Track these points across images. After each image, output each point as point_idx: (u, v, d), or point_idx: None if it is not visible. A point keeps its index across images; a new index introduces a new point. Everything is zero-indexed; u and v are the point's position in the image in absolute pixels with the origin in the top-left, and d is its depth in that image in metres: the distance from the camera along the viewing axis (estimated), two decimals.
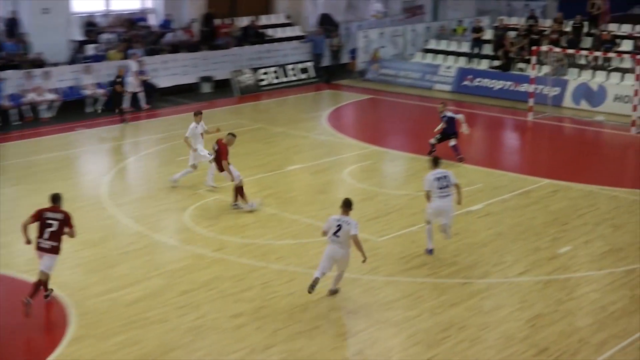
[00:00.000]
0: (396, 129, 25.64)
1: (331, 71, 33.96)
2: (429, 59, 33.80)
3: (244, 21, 34.03)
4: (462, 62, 32.77)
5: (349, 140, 23.67)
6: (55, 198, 12.66)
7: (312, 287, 12.54)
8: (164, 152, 22.51)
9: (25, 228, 12.41)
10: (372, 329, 12.06)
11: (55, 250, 12.44)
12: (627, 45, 29.72)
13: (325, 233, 12.84)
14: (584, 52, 27.86)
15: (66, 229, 12.45)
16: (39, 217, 12.43)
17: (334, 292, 13.14)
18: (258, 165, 20.78)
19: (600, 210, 17.18)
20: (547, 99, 27.19)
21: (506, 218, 16.75)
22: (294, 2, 36.08)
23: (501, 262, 14.43)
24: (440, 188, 14.42)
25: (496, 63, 31.69)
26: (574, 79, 28.65)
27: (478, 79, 30.64)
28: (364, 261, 12.65)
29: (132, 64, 28.13)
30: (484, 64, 32.23)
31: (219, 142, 17.50)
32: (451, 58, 33.26)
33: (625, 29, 31.50)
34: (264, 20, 35.13)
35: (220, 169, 17.37)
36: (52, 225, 12.35)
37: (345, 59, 35.22)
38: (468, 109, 28.39)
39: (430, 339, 11.72)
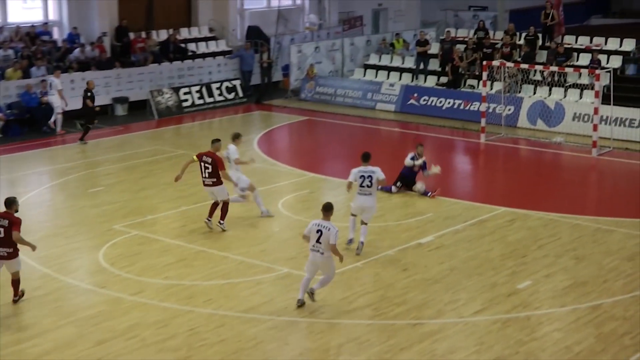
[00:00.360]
0: (336, 153, 25.81)
1: (261, 90, 34.11)
2: (370, 75, 34.23)
3: (162, 35, 34.00)
4: (406, 79, 33.26)
5: (283, 167, 23.74)
6: (6, 202, 14.06)
7: (310, 295, 13.99)
8: (72, 183, 22.22)
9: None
10: None
11: (11, 257, 13.93)
12: (584, 59, 30.58)
13: (305, 237, 14.03)
14: (539, 67, 28.55)
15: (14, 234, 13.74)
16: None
17: (311, 293, 14.03)
18: (181, 197, 20.67)
19: (561, 240, 17.53)
20: (500, 119, 27.76)
21: (459, 251, 16.97)
22: (219, 14, 36.20)
23: (455, 300, 14.59)
24: (362, 186, 16.34)
25: (444, 80, 32.26)
26: (529, 96, 29.33)
27: (424, 97, 31.11)
28: (341, 261, 14.21)
29: (56, 81, 27.90)
30: (430, 81, 32.77)
31: (209, 154, 17.86)
32: (394, 74, 33.74)
33: (583, 41, 32.40)
34: (185, 33, 35.16)
35: (220, 182, 17.82)
36: (0, 232, 13.84)
37: (277, 76, 35.42)
38: (414, 131, 28.80)
39: None
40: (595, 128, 24.73)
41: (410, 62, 34.01)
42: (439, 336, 13.25)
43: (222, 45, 35.62)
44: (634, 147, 25.50)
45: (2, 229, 13.81)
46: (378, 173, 16.16)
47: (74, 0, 32.08)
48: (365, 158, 16.40)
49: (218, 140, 18.37)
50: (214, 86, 32.98)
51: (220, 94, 32.97)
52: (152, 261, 16.38)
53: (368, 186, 16.29)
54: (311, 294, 14.09)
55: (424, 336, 13.23)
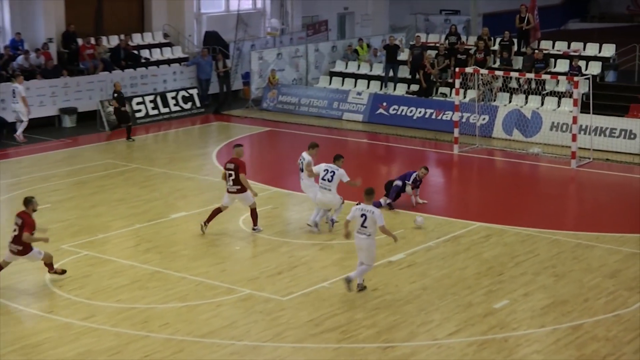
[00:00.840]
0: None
1: (220, 100, 34.11)
2: (336, 83, 34.38)
3: (113, 40, 33.90)
4: (375, 87, 33.43)
5: None
6: (24, 202, 15.83)
7: (348, 283, 15.43)
8: (17, 200, 21.99)
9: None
10: None
11: (23, 253, 15.67)
12: (562, 66, 30.94)
13: (348, 222, 15.57)
14: (515, 74, 28.84)
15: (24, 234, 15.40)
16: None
17: (348, 281, 15.39)
18: (134, 214, 20.58)
19: (540, 257, 17.69)
20: (474, 129, 27.99)
21: (432, 269, 17.06)
22: (174, 18, 36.19)
23: (428, 321, 14.66)
24: (323, 179, 18.29)
25: (414, 88, 32.47)
26: (505, 105, 29.60)
27: (394, 107, 31.29)
28: (395, 241, 16.10)
29: (19, 88, 27.80)
30: (400, 89, 32.97)
31: (232, 160, 18.69)
32: (362, 82, 33.91)
33: (560, 46, 32.79)
34: (137, 39, 35.10)
35: (244, 189, 18.59)
36: (15, 230, 15.57)
37: (236, 85, 35.44)
38: (384, 142, 28.95)
39: None
40: (574, 138, 25.00)
41: (378, 70, 34.19)
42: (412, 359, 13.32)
43: (177, 52, 35.59)
44: (615, 157, 25.80)
45: (17, 227, 15.58)
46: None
47: (17, 3, 31.86)
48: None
49: (240, 145, 19.37)
50: (169, 95, 32.90)
51: (176, 104, 32.91)
52: (104, 283, 16.29)
53: (329, 181, 17.70)
54: (348, 282, 15.40)
55: None
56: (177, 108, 32.89)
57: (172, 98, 32.93)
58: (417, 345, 13.80)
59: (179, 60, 35.02)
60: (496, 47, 32.55)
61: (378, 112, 31.49)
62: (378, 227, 15.31)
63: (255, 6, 39.21)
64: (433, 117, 30.25)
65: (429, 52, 32.97)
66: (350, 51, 35.86)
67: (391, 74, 33.43)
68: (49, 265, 16.21)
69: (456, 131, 26.93)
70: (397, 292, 15.89)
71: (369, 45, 35.99)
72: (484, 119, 28.70)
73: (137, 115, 31.63)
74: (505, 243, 18.52)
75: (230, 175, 18.60)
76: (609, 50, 31.91)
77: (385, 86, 33.34)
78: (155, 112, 32.31)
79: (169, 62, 34.79)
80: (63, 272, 16.46)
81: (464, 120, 28.02)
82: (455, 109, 27.21)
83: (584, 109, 26.21)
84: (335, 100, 32.66)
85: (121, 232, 19.44)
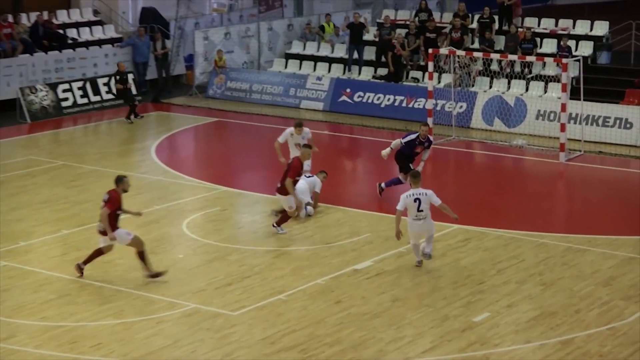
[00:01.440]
0: (252, 163, 25.80)
1: (160, 86, 33.99)
2: (293, 67, 34.39)
3: (33, 18, 33.59)
4: (337, 71, 33.49)
5: (188, 179, 23.68)
6: (116, 179, 16.86)
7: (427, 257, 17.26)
8: None
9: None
10: None
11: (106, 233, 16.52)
12: (549, 46, 31.20)
13: (400, 213, 16.67)
14: (496, 56, 29.03)
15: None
16: None
17: (428, 255, 17.18)
18: (61, 218, 20.49)
19: (525, 263, 17.82)
20: (450, 118, 28.15)
21: (404, 278, 17.13)
22: None
23: (399, 337, 14.71)
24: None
25: (382, 72, 32.56)
26: (484, 90, 29.81)
27: (359, 93, 31.38)
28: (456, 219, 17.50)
29: None
30: (366, 74, 33.06)
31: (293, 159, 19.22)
32: (322, 66, 33.94)
33: (547, 24, 33.04)
34: (63, 16, 34.84)
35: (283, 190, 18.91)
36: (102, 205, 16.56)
37: (178, 69, 35.33)
38: (347, 134, 29.02)
39: None
40: (562, 128, 25.22)
41: (341, 51, 34.24)
42: None
43: (110, 32, 35.41)
44: (609, 150, 26.09)
45: (103, 203, 16.59)
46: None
47: None
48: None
49: (307, 146, 19.69)
50: (101, 82, 32.71)
51: (109, 91, 32.71)
52: (26, 298, 16.17)
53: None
54: (428, 256, 17.15)
55: None
56: (110, 96, 32.69)
57: (104, 84, 32.72)
58: None
59: (111, 41, 34.86)
60: (475, 25, 32.71)
61: (341, 99, 31.56)
62: (437, 206, 16.87)
63: None
64: (403, 105, 30.38)
65: (398, 31, 33.07)
66: (309, 30, 35.87)
67: (356, 56, 33.49)
68: (140, 256, 16.77)
69: (430, 121, 27.00)
70: (364, 304, 15.93)
71: (334, 26, 35.96)
72: (461, 107, 28.87)
73: (64, 104, 31.44)
74: (485, 248, 18.64)
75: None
76: (601, 28, 32.22)
77: (349, 70, 33.42)
78: (85, 100, 32.11)
79: (99, 43, 34.62)
80: (159, 274, 16.94)
81: (438, 108, 28.17)
82: (429, 95, 27.36)
83: (574, 95, 26.45)
84: (292, 86, 32.68)
85: (46, 239, 19.32)
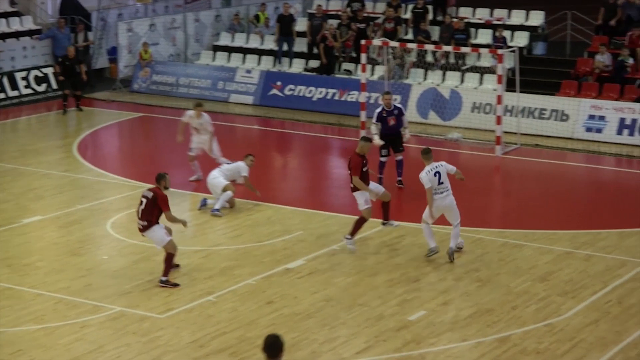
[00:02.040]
0: (179, 159, 25.64)
1: (80, 82, 33.68)
2: (221, 60, 34.33)
3: None
4: (267, 63, 33.49)
5: (112, 177, 23.54)
6: (156, 177, 16.75)
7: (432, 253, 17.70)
8: None
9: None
10: None
11: (146, 229, 16.49)
12: (484, 37, 31.50)
13: (430, 189, 17.41)
14: (431, 47, 29.25)
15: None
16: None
17: (459, 248, 17.92)
18: None
19: (461, 259, 18.00)
20: None
21: (337, 277, 17.21)
22: None
23: (333, 337, 14.79)
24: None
25: (314, 64, 32.63)
26: (419, 83, 30.03)
27: (290, 87, 31.44)
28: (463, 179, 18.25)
29: None
30: (297, 66, 33.10)
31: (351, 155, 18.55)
32: (252, 58, 33.91)
33: (482, 13, 33.38)
34: None
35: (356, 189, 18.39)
36: (142, 203, 16.51)
37: (101, 62, 35.09)
38: (278, 128, 29.06)
39: None
40: (498, 121, 25.53)
41: (271, 43, 34.24)
42: None
43: (28, 23, 35.02)
44: (546, 142, 26.46)
45: (144, 200, 16.51)
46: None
47: None
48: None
49: (367, 139, 18.99)
50: (19, 76, 32.40)
51: (28, 86, 32.43)
52: None
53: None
54: (453, 252, 17.60)
55: None
56: (29, 91, 32.41)
57: (23, 79, 32.43)
58: None
59: (29, 33, 34.49)
60: (408, 15, 32.92)
61: (271, 93, 31.59)
62: (453, 173, 17.78)
63: None
64: (336, 98, 30.49)
65: (330, 22, 33.15)
66: (237, 21, 35.80)
67: (285, 47, 33.51)
68: (168, 259, 16.64)
69: (363, 114, 27.18)
70: (297, 304, 15.99)
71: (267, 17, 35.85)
72: (395, 99, 29.01)
73: None
74: (421, 244, 18.74)
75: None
76: (537, 18, 32.67)
77: (279, 62, 33.44)
78: (2, 95, 31.75)
79: (17, 35, 34.21)
80: (177, 266, 17.27)
81: (372, 101, 28.30)
82: (362, 88, 27.48)
83: (510, 86, 26.76)
84: (221, 79, 32.63)
85: None
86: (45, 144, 26.99)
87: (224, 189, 20.36)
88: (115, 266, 17.95)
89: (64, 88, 31.05)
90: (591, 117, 27.03)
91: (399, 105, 23.10)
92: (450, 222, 17.84)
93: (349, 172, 18.26)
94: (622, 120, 26.62)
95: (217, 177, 20.56)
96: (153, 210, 16.46)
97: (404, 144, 22.77)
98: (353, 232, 18.18)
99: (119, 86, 33.73)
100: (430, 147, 18.49)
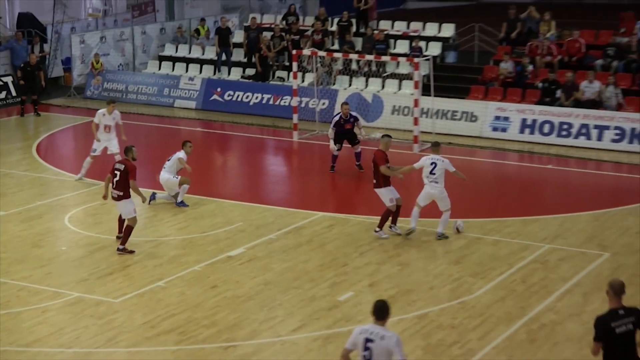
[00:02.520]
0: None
1: (38, 88, 33.27)
2: (166, 69, 34.16)
3: None
4: (207, 72, 33.40)
5: (69, 176, 23.33)
6: (125, 150, 17.60)
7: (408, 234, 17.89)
8: None
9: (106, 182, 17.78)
10: None
11: (120, 199, 17.23)
12: (402, 47, 31.73)
13: (413, 166, 17.91)
14: (354, 56, 29.39)
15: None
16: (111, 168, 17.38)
17: (443, 236, 17.95)
18: None
19: (384, 246, 18.14)
20: (314, 114, 28.38)
21: (274, 263, 17.27)
22: None
23: (271, 317, 14.85)
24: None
25: (250, 72, 32.61)
26: (344, 88, 30.14)
27: (229, 92, 31.39)
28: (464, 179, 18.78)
29: None
30: (235, 74, 33.06)
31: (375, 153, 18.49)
32: (194, 67, 33.80)
33: (400, 26, 33.54)
34: None
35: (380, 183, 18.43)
36: (116, 175, 17.14)
37: (56, 71, 34.70)
38: (219, 130, 29.00)
39: None
40: (415, 122, 25.73)
41: (211, 53, 34.14)
42: (255, 358, 13.47)
43: None
44: (457, 141, 26.68)
45: (118, 173, 17.18)
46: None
47: None
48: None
49: (387, 136, 19.42)
50: None
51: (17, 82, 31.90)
52: None
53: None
54: (444, 237, 17.95)
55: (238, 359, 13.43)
56: None
57: None
58: (260, 343, 13.99)
59: None
60: (334, 27, 33.02)
61: (212, 98, 31.51)
62: (452, 172, 17.88)
63: None
64: (270, 102, 30.49)
65: (264, 34, 33.15)
66: (180, 33, 35.61)
67: (224, 57, 33.44)
68: (128, 230, 17.41)
69: (295, 117, 27.25)
70: (238, 288, 16.02)
71: (207, 29, 35.73)
72: (323, 103, 29.14)
73: None
74: (348, 233, 18.90)
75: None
76: (448, 30, 32.91)
77: (219, 71, 33.35)
78: None
79: None
80: (132, 252, 17.50)
81: (303, 105, 28.40)
82: (294, 93, 27.53)
83: (425, 91, 26.95)
84: (166, 86, 32.47)
85: None
86: (6, 146, 26.61)
87: (181, 183, 20.26)
88: (73, 256, 17.81)
89: (24, 93, 30.67)
90: (497, 117, 27.36)
91: (354, 114, 23.88)
92: (440, 209, 18.17)
93: (374, 168, 18.45)
94: (524, 120, 26.98)
95: (169, 178, 20.37)
96: (126, 181, 17.19)
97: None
98: (381, 225, 18.42)
99: (73, 93, 33.39)
100: (439, 142, 19.22)
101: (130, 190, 17.30)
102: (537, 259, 17.39)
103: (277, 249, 17.95)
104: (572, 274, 16.47)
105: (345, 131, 23.23)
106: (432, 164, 17.77)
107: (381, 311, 10.35)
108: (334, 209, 20.44)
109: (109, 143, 22.56)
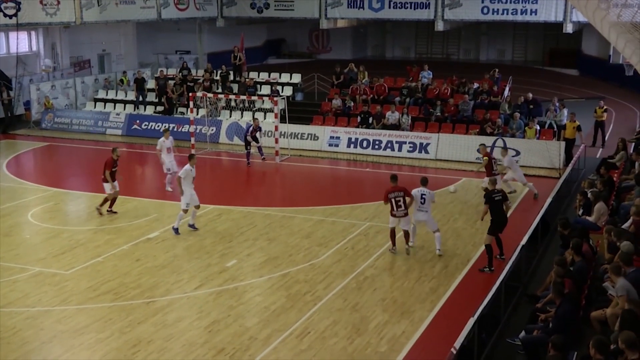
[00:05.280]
0: (74, 171, 24.66)
1: (6, 122, 31.73)
2: (100, 107, 33.05)
3: None
4: (129, 108, 32.52)
5: (31, 185, 22.30)
6: (112, 150, 18.40)
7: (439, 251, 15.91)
8: None
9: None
10: (67, 354, 11.50)
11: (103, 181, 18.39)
12: (266, 89, 31.65)
13: (412, 199, 15.71)
14: (232, 96, 29.14)
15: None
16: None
17: (440, 253, 15.83)
18: None
19: (257, 227, 18.06)
20: (206, 137, 27.99)
21: (180, 242, 16.95)
22: None
23: (179, 280, 14.58)
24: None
25: (160, 108, 31.93)
26: (227, 119, 29.82)
27: (145, 123, 30.61)
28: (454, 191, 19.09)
29: None
30: (149, 110, 32.29)
31: (397, 189, 15.67)
32: (120, 105, 32.85)
33: (263, 76, 33.50)
34: None
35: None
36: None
37: (20, 110, 33.10)
38: (139, 150, 28.27)
39: (121, 356, 11.49)
40: (276, 141, 25.68)
41: (131, 96, 33.26)
42: (169, 309, 13.19)
43: None
44: (305, 153, 26.79)
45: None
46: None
47: None
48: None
49: (394, 177, 15.98)
50: None
51: None
52: None
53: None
54: (440, 254, 15.77)
55: (156, 311, 13.11)
56: None
57: None
58: (172, 298, 13.71)
59: None
60: (218, 77, 32.67)
61: (133, 127, 30.66)
62: (434, 201, 15.95)
63: (31, 49, 36.60)
64: (176, 129, 29.78)
65: (169, 81, 32.51)
66: (108, 82, 34.58)
67: (141, 98, 32.64)
68: (104, 202, 18.36)
69: (192, 139, 26.80)
70: (155, 260, 15.66)
71: (128, 80, 34.80)
72: (212, 129, 28.75)
73: None
74: (232, 219, 18.72)
75: (397, 202, 15.70)
76: (297, 78, 33.01)
77: (137, 108, 32.51)
78: None
79: None
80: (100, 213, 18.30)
81: (198, 131, 27.93)
82: (191, 123, 27.09)
83: (283, 120, 26.96)
84: (100, 119, 31.40)
85: None
86: None
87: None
88: (35, 241, 17.02)
89: None
90: (332, 137, 27.53)
91: (261, 126, 24.26)
92: (430, 230, 16.00)
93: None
94: (350, 138, 27.25)
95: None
96: (104, 170, 18.26)
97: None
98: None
99: (32, 126, 31.87)
100: (427, 178, 16.01)
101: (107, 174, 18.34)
102: (361, 232, 17.61)
103: (181, 232, 17.58)
104: (384, 242, 16.74)
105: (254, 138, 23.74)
106: (422, 195, 15.72)
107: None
108: (222, 202, 20.18)
109: (170, 164, 20.85)
